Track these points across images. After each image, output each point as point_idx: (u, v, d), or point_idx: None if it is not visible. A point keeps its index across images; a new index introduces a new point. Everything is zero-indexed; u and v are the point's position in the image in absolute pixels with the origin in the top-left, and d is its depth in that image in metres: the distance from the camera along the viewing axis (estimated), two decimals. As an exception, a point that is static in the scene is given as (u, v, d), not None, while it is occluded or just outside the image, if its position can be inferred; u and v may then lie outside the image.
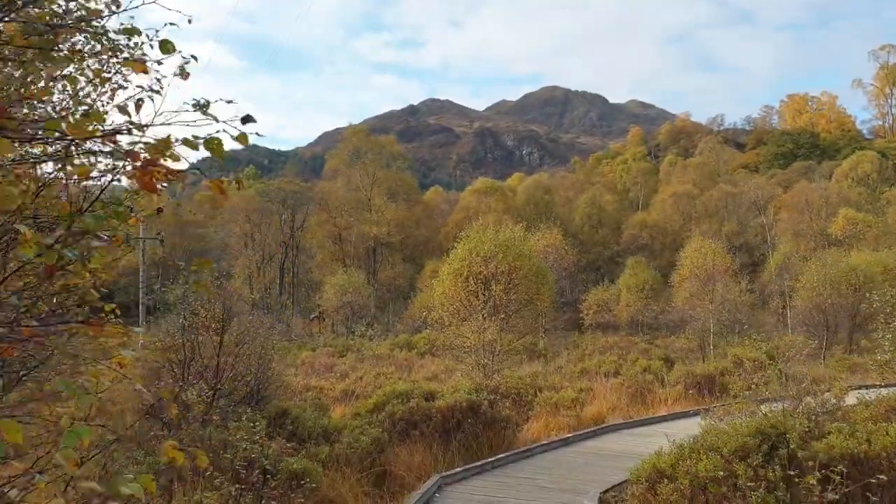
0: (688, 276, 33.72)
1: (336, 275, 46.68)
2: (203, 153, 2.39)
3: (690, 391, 18.11)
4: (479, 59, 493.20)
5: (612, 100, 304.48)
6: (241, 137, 2.39)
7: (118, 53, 3.51)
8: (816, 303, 26.37)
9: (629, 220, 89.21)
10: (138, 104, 2.68)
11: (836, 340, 27.26)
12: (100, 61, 3.60)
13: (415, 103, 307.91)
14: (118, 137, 2.42)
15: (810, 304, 26.58)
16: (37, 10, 2.73)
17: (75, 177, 2.79)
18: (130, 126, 2.50)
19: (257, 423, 10.85)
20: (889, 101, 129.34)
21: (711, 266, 32.69)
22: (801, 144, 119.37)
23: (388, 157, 71.91)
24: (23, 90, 3.02)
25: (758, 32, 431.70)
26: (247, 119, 2.39)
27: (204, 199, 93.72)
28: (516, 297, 24.17)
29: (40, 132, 2.51)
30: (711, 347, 31.99)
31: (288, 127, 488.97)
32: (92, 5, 3.25)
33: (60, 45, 2.88)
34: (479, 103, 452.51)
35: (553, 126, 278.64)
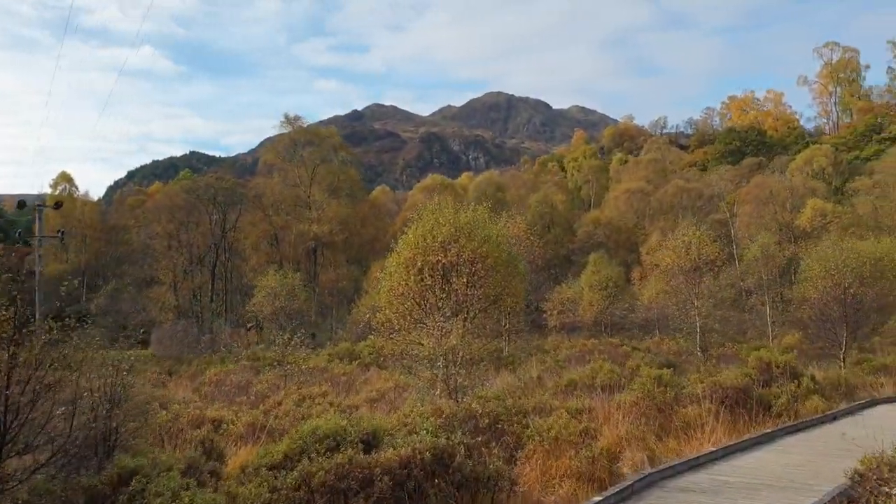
0: (670, 269, 29.46)
1: (267, 276, 41.02)
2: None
3: (721, 408, 13.54)
4: (422, 64, 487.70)
5: (554, 105, 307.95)
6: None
7: None
8: (835, 294, 22.34)
9: (583, 218, 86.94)
10: None
11: (839, 339, 23.21)
12: None
13: (359, 108, 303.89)
14: None
15: (827, 296, 22.50)
16: None
17: None
18: None
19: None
20: (832, 98, 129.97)
21: (697, 257, 28.49)
22: (748, 142, 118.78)
23: (328, 149, 66.29)
24: None
25: (695, 36, 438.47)
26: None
27: (135, 203, 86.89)
28: (482, 291, 19.33)
29: None
30: (700, 350, 27.91)
31: (229, 133, 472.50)
32: None
33: None
34: (424, 108, 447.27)
35: (498, 131, 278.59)
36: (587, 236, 79.71)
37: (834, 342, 22.44)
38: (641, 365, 18.55)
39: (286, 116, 65.04)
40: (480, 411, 10.71)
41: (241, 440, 12.20)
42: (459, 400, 13.90)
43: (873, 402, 15.10)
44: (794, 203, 57.59)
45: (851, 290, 22.22)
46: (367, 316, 17.89)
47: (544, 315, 45.27)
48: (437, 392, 15.86)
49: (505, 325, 28.69)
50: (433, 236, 18.69)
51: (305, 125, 67.20)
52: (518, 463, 10.57)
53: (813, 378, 16.03)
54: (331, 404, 13.59)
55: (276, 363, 19.07)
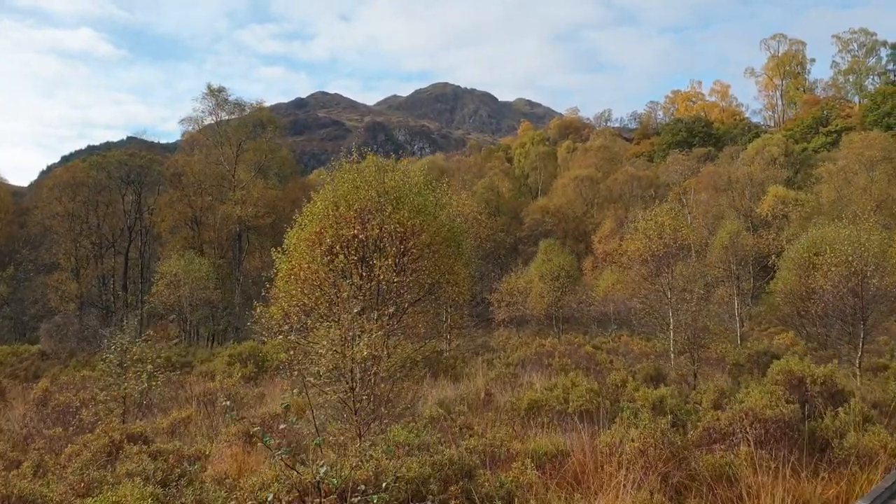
0: (640, 255, 25.12)
1: (169, 260, 35.17)
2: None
3: (763, 451, 9.01)
4: (368, 54, 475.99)
5: (500, 98, 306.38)
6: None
7: None
8: (851, 286, 18.24)
9: (531, 205, 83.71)
10: None
11: (855, 339, 19.25)
12: None
13: (303, 96, 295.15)
14: None
15: (843, 289, 18.38)
16: None
17: None
18: None
19: None
20: (778, 91, 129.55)
21: (672, 241, 24.19)
22: (695, 133, 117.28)
23: (255, 124, 60.18)
24: None
25: (642, 34, 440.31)
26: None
27: (54, 183, 78.98)
28: (415, 278, 14.46)
29: None
30: (673, 354, 23.69)
31: (171, 119, 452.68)
32: None
33: None
34: (369, 98, 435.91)
35: (444, 122, 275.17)
36: (535, 224, 76.24)
37: (846, 343, 18.43)
38: (632, 381, 13.98)
39: (209, 87, 58.63)
40: (395, 473, 5.80)
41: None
42: (372, 438, 9.08)
43: (955, 435, 10.84)
44: (752, 191, 54.69)
45: (875, 281, 18.17)
46: (258, 310, 12.90)
47: (491, 308, 40.74)
48: (345, 421, 11.01)
49: (445, 320, 23.90)
50: (348, 204, 13.70)
51: (231, 98, 60.89)
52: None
53: (864, 399, 11.72)
54: (155, 457, 8.44)
55: (112, 375, 13.52)
